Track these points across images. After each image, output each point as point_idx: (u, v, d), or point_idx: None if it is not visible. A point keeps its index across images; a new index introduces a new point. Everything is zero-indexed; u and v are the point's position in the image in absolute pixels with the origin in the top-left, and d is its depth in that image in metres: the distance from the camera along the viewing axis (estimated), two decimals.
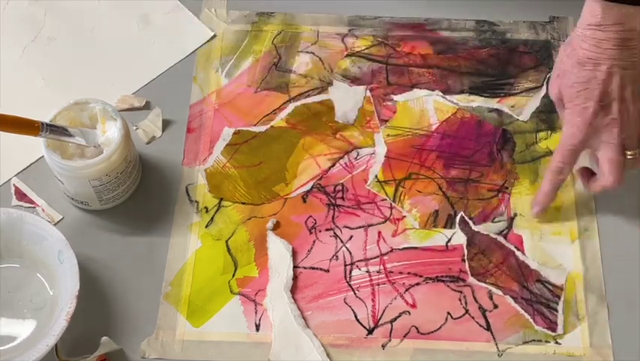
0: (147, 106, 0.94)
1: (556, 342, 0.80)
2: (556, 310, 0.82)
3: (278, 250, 0.85)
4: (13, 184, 0.89)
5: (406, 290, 0.83)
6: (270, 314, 0.82)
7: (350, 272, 0.84)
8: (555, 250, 0.85)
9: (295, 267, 0.84)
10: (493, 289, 0.83)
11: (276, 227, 0.87)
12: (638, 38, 0.79)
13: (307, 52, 0.98)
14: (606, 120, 0.80)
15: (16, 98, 0.94)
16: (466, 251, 0.85)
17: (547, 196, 0.85)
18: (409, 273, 0.84)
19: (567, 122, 0.82)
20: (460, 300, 0.82)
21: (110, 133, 0.84)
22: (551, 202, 0.86)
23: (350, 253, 0.85)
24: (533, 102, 0.94)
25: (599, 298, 0.82)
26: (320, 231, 0.86)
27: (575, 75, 0.80)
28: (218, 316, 0.82)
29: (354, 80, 0.96)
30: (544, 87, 0.95)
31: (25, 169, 0.90)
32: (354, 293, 0.83)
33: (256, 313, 0.82)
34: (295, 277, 0.84)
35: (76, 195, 0.85)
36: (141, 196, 0.88)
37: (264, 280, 0.84)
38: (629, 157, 0.82)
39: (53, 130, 0.81)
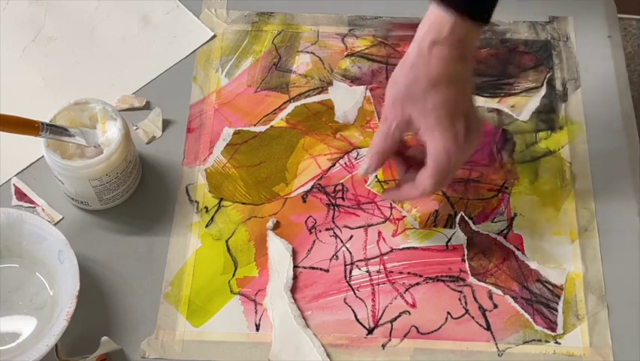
0: (147, 106, 0.94)
1: (556, 342, 0.80)
2: (556, 310, 0.82)
3: (278, 249, 0.85)
4: (13, 184, 0.89)
5: (406, 290, 0.83)
6: (270, 314, 0.82)
7: (350, 272, 0.84)
8: (555, 250, 0.85)
9: (295, 267, 0.84)
10: (493, 289, 0.83)
11: (276, 227, 0.87)
12: (472, 54, 0.76)
13: (307, 52, 0.98)
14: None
15: (16, 98, 0.94)
16: (466, 251, 0.85)
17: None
18: (409, 273, 0.84)
19: (435, 148, 0.75)
20: (460, 300, 0.82)
21: (110, 133, 0.83)
22: None
23: (350, 252, 0.85)
24: (533, 102, 0.94)
25: (599, 298, 0.82)
26: (320, 231, 0.86)
27: (432, 97, 0.74)
28: (218, 316, 0.82)
29: (354, 80, 0.96)
30: (544, 87, 0.95)
31: (25, 169, 0.90)
32: (354, 293, 0.83)
33: (256, 313, 0.82)
34: (295, 277, 0.84)
35: (76, 195, 0.85)
36: (141, 196, 0.88)
37: (264, 280, 0.84)
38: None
39: (53, 130, 0.81)
